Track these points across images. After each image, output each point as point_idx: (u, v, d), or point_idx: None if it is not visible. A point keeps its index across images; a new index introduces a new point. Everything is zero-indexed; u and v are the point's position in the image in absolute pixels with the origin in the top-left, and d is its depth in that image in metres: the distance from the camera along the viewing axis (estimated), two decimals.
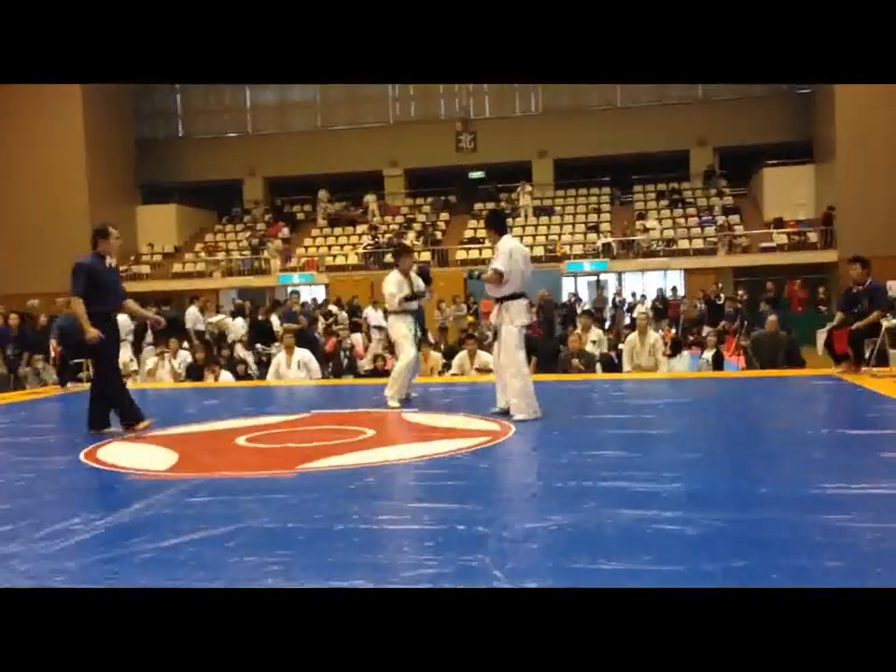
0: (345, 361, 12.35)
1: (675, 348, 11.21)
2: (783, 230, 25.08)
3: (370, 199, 29.19)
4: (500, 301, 6.31)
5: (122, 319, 12.47)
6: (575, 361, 10.17)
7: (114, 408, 6.37)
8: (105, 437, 6.12)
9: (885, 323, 9.34)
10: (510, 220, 28.02)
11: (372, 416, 6.88)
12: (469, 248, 26.30)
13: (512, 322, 6.22)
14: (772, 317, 11.27)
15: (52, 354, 11.02)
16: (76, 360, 10.58)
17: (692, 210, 27.47)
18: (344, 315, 17.30)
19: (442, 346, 13.62)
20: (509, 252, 6.18)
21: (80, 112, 26.76)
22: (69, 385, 10.26)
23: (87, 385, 10.36)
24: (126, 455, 5.52)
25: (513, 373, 6.21)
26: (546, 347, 11.34)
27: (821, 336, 8.81)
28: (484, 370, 9.87)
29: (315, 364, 10.87)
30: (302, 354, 10.78)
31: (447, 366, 11.10)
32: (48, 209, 26.23)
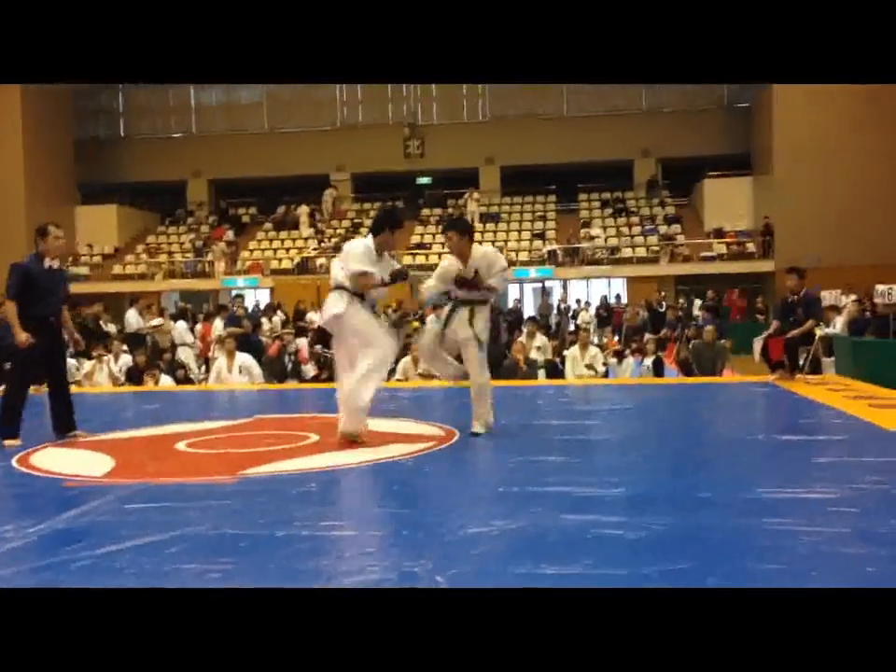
0: (290, 366, 12.23)
1: (619, 356, 11.45)
2: (723, 240, 25.68)
3: (303, 210, 28.92)
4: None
5: None
6: (522, 366, 10.29)
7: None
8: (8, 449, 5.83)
9: (818, 332, 9.61)
10: None
11: (317, 421, 6.82)
12: (416, 253, 26.32)
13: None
14: (709, 327, 11.54)
15: None
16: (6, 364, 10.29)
17: (635, 219, 27.93)
18: (277, 319, 17.17)
19: None
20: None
21: (19, 110, 26.10)
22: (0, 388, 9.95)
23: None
24: (61, 460, 5.38)
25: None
26: (491, 353, 11.37)
27: (758, 344, 9.02)
28: (428, 375, 9.88)
29: (257, 369, 10.77)
30: (244, 358, 10.66)
31: (392, 371, 11.07)
32: None
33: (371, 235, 5.73)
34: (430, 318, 6.27)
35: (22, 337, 5.85)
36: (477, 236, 27.94)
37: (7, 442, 5.90)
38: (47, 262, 6.10)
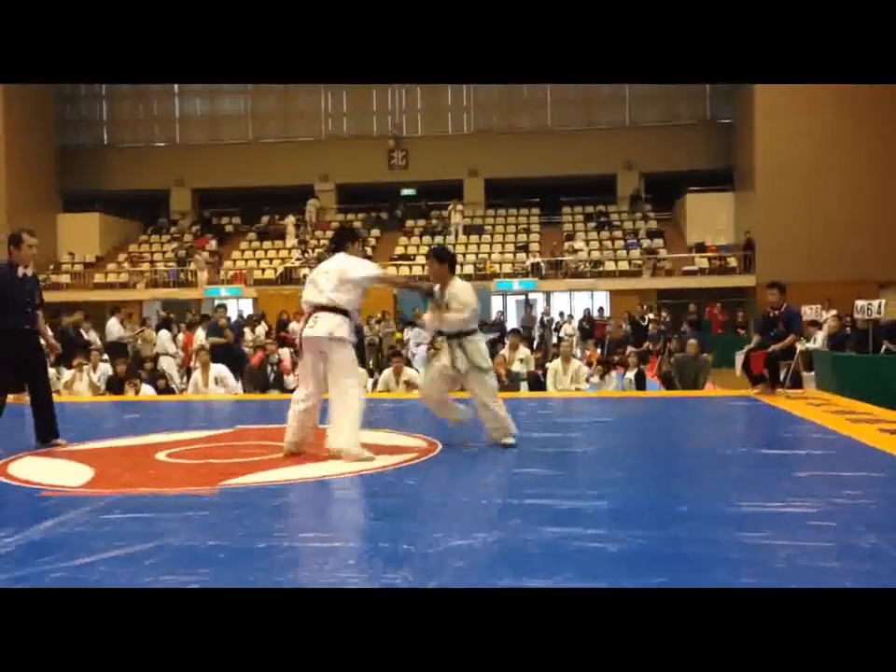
0: (272, 376, 12.17)
1: (605, 368, 11.42)
2: (704, 254, 25.87)
3: (289, 220, 28.90)
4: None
5: None
6: (504, 379, 10.28)
7: None
8: None
9: (799, 346, 9.69)
10: (441, 238, 28.21)
11: None
12: (400, 265, 26.32)
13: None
14: (692, 341, 11.60)
15: None
16: None
17: (618, 233, 28.08)
18: (260, 329, 17.15)
19: (371, 363, 13.57)
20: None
21: (1, 117, 25.94)
22: None
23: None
24: (39, 470, 5.32)
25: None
26: None
27: (739, 358, 9.08)
28: (412, 384, 9.87)
29: (232, 380, 10.71)
30: (218, 370, 10.58)
31: (375, 383, 11.07)
32: None
33: (341, 252, 5.65)
34: (419, 359, 6.22)
35: None
36: (460, 248, 28.11)
37: None
38: (20, 271, 6.01)
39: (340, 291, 5.44)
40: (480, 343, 5.91)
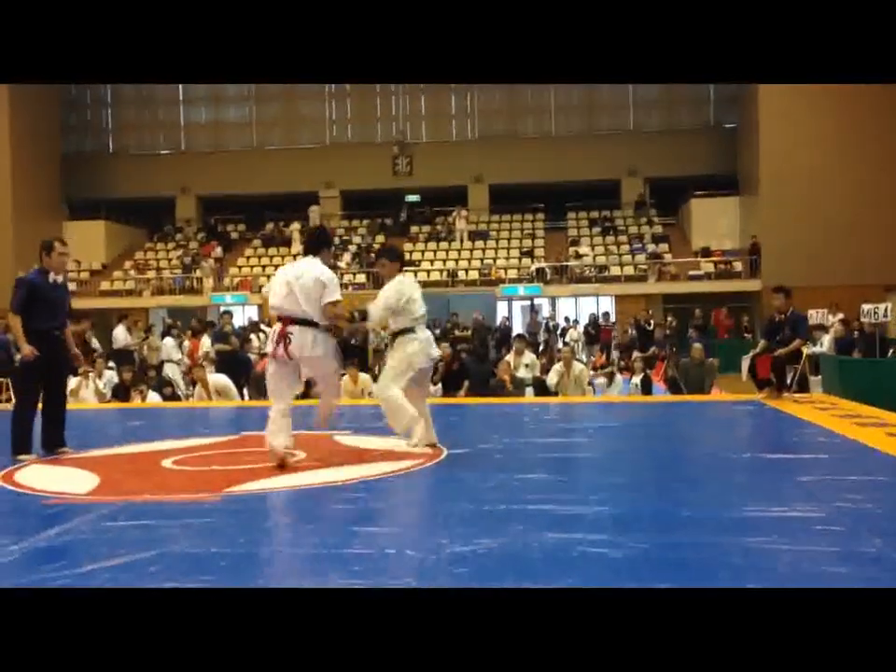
0: None
1: (610, 372, 11.44)
2: (710, 258, 25.84)
3: (294, 227, 28.95)
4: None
5: None
6: (509, 387, 10.29)
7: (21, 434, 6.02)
8: (20, 462, 5.85)
9: (806, 351, 9.65)
10: (446, 244, 28.21)
11: (303, 438, 6.79)
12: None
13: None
14: (697, 345, 11.58)
15: None
16: None
17: (623, 238, 28.06)
18: (264, 336, 17.16)
19: (377, 369, 13.56)
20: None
21: (6, 124, 26.07)
22: None
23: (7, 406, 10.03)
24: (44, 477, 5.33)
25: None
26: (478, 371, 11.37)
27: (745, 362, 9.05)
28: None
29: (233, 390, 10.72)
30: (219, 383, 10.56)
31: None
32: None
33: (312, 256, 5.48)
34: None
35: (27, 350, 5.89)
36: (465, 254, 28.10)
37: (21, 457, 5.90)
38: (51, 277, 6.17)
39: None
40: (408, 343, 5.84)
